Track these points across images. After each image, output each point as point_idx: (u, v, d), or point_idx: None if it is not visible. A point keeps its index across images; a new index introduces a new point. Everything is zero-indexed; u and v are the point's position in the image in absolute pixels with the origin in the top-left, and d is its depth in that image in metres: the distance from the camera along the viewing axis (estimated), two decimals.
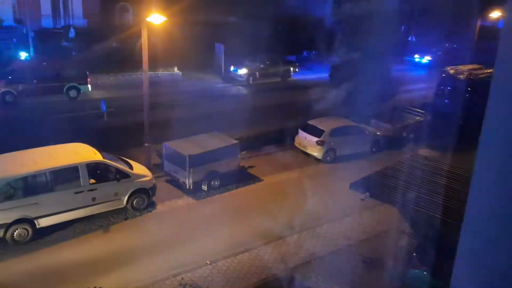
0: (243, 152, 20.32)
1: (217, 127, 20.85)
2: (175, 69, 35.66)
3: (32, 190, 14.69)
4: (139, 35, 19.00)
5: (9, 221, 14.23)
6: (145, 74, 19.35)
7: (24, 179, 14.58)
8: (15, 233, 14.35)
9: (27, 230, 14.54)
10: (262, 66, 36.50)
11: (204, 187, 18.45)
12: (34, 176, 14.75)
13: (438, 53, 45.89)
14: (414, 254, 13.87)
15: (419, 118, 26.14)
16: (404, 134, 25.16)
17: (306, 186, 19.07)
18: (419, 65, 45.75)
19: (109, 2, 41.35)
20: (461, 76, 28.04)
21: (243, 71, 35.39)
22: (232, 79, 35.70)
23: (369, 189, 14.17)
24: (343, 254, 15.03)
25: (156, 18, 18.30)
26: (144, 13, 18.63)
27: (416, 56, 46.68)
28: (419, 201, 13.02)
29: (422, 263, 13.34)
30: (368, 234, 16.36)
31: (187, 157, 17.82)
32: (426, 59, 45.87)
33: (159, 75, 34.11)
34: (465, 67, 30.09)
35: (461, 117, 23.01)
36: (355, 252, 15.25)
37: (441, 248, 11.94)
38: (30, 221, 14.57)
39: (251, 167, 20.86)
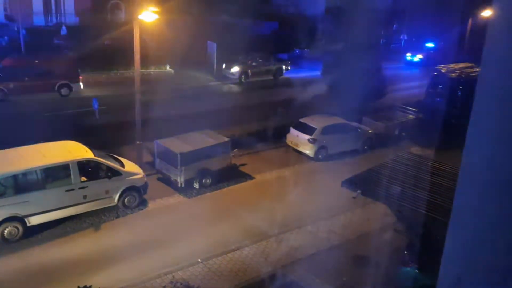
0: (234, 150, 20.32)
1: (208, 125, 20.82)
2: (167, 67, 35.55)
3: (22, 188, 14.59)
4: (131, 33, 18.93)
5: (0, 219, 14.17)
6: (137, 72, 19.28)
7: (15, 177, 14.49)
8: (5, 231, 14.27)
9: (17, 228, 14.45)
10: (254, 64, 36.40)
11: (196, 185, 18.40)
12: (25, 174, 14.66)
13: (430, 51, 46.11)
14: (405, 251, 13.92)
15: (411, 116, 26.20)
16: (396, 132, 25.23)
17: (298, 184, 19.09)
18: (411, 63, 45.90)
19: None
20: (453, 74, 28.19)
21: (235, 69, 35.27)
22: (224, 77, 35.57)
23: (361, 187, 14.20)
24: (334, 252, 15.06)
25: (148, 16, 18.24)
26: (136, 11, 18.55)
27: (408, 54, 46.84)
28: (410, 199, 13.06)
29: (413, 260, 13.38)
30: (360, 232, 16.39)
31: (179, 155, 17.77)
32: (418, 57, 46.04)
33: (151, 73, 34.01)
34: (457, 66, 30.26)
35: (454, 115, 23.10)
36: (346, 250, 15.29)
37: (432, 246, 11.99)
38: (21, 219, 14.48)
39: (242, 165, 20.85)
